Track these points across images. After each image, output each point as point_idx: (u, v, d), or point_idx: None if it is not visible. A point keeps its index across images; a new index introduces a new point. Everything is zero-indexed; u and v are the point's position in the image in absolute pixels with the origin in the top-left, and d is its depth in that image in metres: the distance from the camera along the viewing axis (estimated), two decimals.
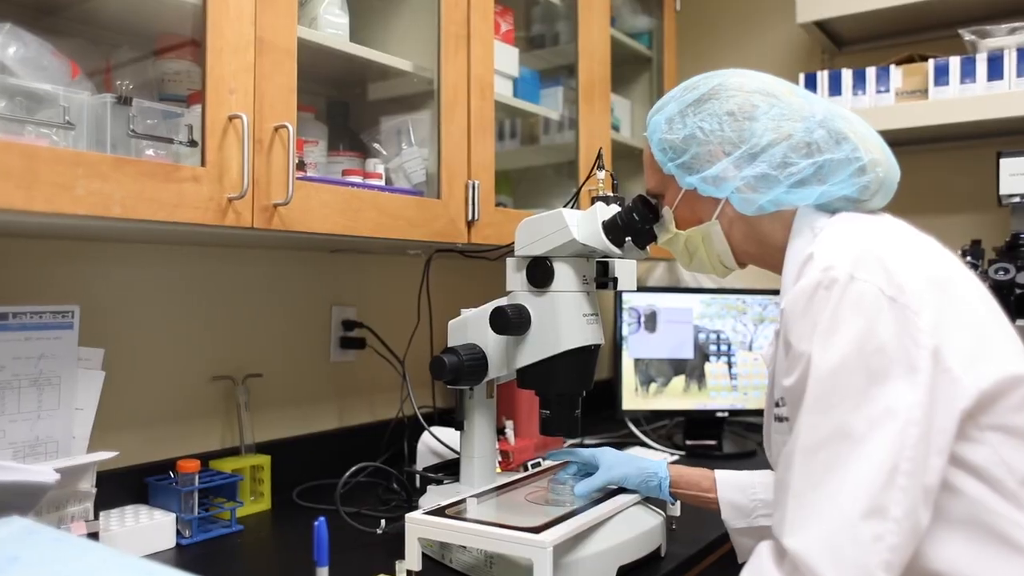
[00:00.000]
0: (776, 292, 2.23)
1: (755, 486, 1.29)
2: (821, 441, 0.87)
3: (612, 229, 1.20)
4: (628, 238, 1.20)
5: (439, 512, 1.17)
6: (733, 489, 1.31)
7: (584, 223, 1.22)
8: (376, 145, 1.66)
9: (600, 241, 1.20)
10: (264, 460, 1.57)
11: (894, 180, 1.11)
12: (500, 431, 1.85)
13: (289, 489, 1.64)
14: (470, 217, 1.58)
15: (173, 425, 1.52)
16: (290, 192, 1.21)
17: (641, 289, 2.20)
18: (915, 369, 0.86)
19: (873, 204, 1.10)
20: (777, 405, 1.06)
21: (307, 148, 1.55)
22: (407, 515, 1.16)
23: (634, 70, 2.50)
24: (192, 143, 1.15)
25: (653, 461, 1.35)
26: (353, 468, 1.43)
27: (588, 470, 1.33)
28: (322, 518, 0.93)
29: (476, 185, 1.59)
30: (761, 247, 1.14)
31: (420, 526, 1.15)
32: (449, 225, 1.55)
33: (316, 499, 1.59)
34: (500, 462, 1.78)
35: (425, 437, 1.71)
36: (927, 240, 1.03)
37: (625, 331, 2.14)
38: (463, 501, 1.23)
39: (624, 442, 2.12)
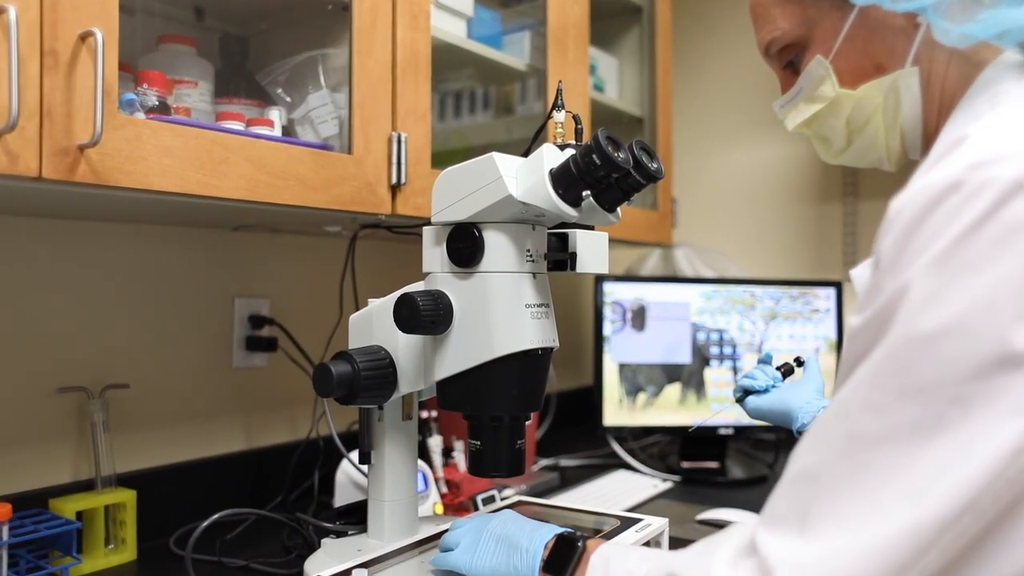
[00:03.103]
0: (793, 283, 1.89)
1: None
2: (895, 433, 0.57)
3: (563, 179, 0.82)
4: (587, 192, 0.83)
5: None
6: None
7: (526, 174, 0.85)
8: (279, 91, 1.29)
9: (546, 198, 0.83)
10: (126, 496, 1.20)
11: None
12: (447, 453, 1.49)
13: (167, 533, 1.27)
14: (395, 180, 1.21)
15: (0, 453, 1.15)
16: (97, 128, 0.83)
17: (625, 278, 1.83)
18: None
19: None
20: None
21: (180, 90, 1.18)
22: None
23: (622, 24, 2.12)
24: None
25: (819, 402, 1.12)
26: (215, 516, 1.06)
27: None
28: None
29: (403, 139, 1.22)
30: (943, 116, 0.78)
31: None
32: (364, 190, 1.17)
33: (201, 546, 1.20)
34: (445, 495, 1.41)
35: (345, 465, 1.34)
36: None
37: (608, 330, 1.76)
38: (350, 572, 0.85)
39: (606, 463, 1.75)
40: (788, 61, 0.85)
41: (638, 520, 1.06)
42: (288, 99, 1.28)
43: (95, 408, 1.21)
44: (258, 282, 1.48)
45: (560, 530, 0.84)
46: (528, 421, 0.94)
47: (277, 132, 1.18)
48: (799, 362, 1.24)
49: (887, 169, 0.86)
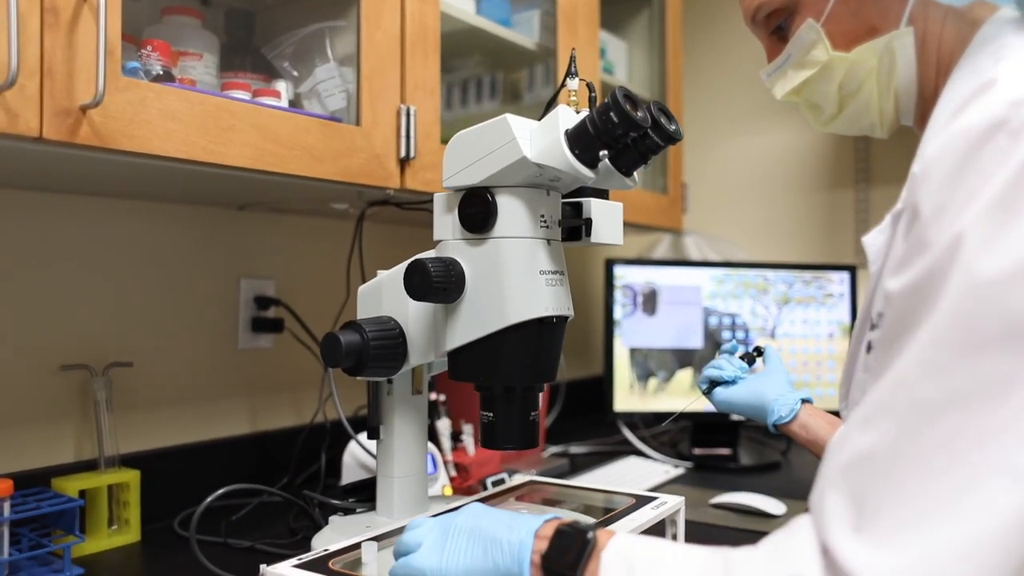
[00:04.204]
0: (806, 267, 1.86)
1: None
2: (965, 395, 0.51)
3: (579, 139, 0.80)
4: (603, 153, 0.80)
5: (318, 564, 0.78)
6: None
7: (540, 135, 0.83)
8: (285, 64, 1.27)
9: (562, 159, 0.80)
10: (130, 477, 1.18)
11: None
12: (456, 437, 1.46)
13: (171, 515, 1.25)
14: (403, 154, 1.19)
15: (2, 431, 1.13)
16: (100, 88, 0.81)
17: (636, 261, 1.80)
18: None
19: None
20: (873, 327, 0.69)
21: (185, 62, 1.15)
22: (265, 568, 0.77)
23: (632, 7, 2.10)
24: None
25: (792, 395, 1.08)
26: (219, 492, 1.04)
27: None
28: None
29: (412, 112, 1.20)
30: (941, 78, 0.75)
31: None
32: (372, 162, 1.15)
33: (206, 528, 1.18)
34: (454, 479, 1.39)
35: (352, 447, 1.32)
36: None
37: (618, 314, 1.74)
38: (360, 545, 0.83)
39: (616, 451, 1.72)
40: (775, 27, 0.83)
41: (654, 498, 1.03)
42: (295, 73, 1.26)
43: (98, 386, 1.19)
44: (264, 263, 1.46)
45: (544, 518, 0.70)
46: (541, 392, 0.92)
47: (284, 105, 1.15)
48: (759, 351, 1.18)
49: (878, 135, 0.83)
